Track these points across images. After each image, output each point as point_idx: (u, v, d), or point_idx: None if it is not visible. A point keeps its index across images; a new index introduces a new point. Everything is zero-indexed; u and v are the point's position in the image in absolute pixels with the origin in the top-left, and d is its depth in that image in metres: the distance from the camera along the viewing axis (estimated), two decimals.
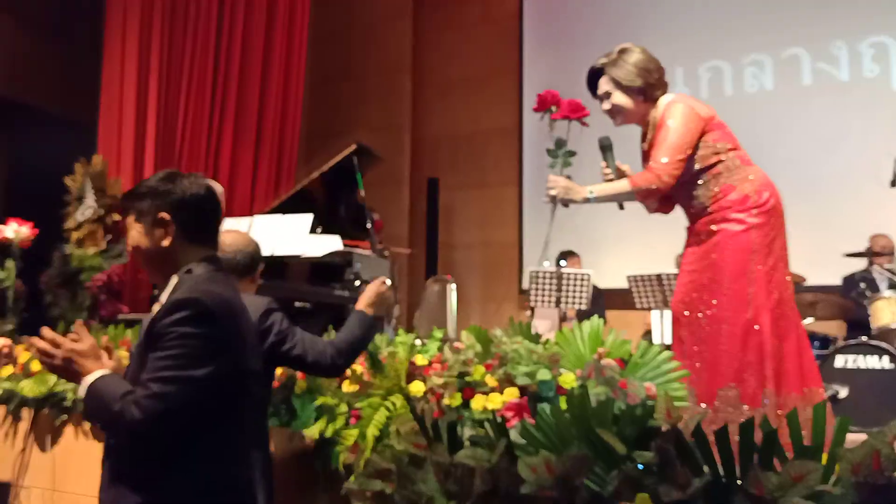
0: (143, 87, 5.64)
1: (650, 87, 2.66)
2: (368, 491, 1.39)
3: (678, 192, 2.68)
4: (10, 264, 4.22)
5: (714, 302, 2.52)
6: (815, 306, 4.73)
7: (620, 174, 2.72)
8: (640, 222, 3.31)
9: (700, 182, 2.61)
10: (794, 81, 6.36)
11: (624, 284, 5.34)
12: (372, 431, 2.31)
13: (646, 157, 2.75)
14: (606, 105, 2.71)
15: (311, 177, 4.93)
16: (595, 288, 5.56)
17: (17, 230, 4.32)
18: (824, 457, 1.23)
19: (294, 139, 6.95)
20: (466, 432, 2.07)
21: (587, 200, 2.59)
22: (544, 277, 5.35)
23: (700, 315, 2.55)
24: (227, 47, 6.30)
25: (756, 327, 2.45)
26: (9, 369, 3.75)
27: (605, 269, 6.09)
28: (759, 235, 2.52)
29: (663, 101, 2.66)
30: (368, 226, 4.73)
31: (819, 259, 5.21)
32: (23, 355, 3.65)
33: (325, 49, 8.18)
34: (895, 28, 6.09)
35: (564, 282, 5.34)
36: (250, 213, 5.50)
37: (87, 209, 5.12)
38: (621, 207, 2.82)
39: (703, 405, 2.35)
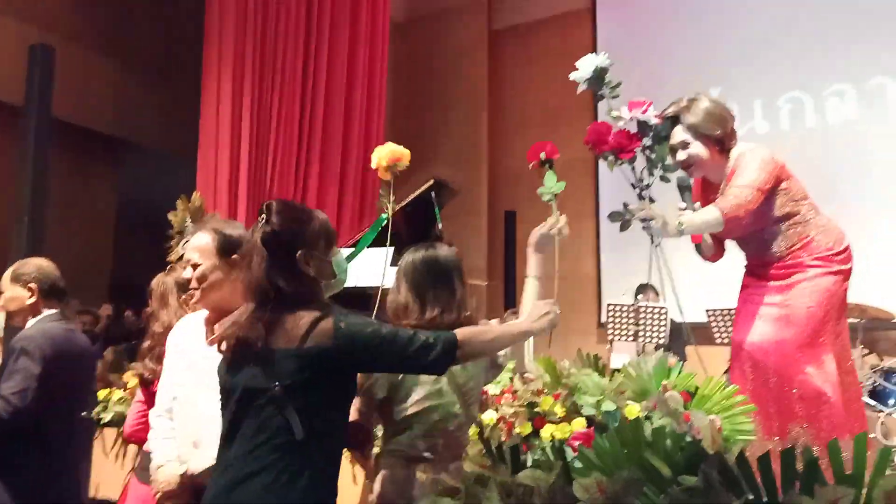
0: (236, 127, 6.02)
1: (727, 136, 2.61)
2: None
3: (751, 240, 2.68)
4: None
5: (787, 337, 2.52)
6: None
7: None
8: None
9: (776, 231, 2.59)
10: (880, 111, 6.21)
11: (703, 318, 5.29)
12: None
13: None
14: (682, 155, 2.63)
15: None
16: (674, 322, 5.51)
17: None
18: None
19: (376, 173, 7.19)
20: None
21: (680, 234, 2.48)
22: (622, 311, 5.35)
23: (767, 351, 2.56)
24: (313, 85, 6.63)
25: (822, 367, 2.47)
26: (118, 393, 4.05)
27: (683, 302, 6.04)
28: (837, 282, 2.55)
29: (736, 150, 2.62)
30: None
31: None
32: (132, 381, 3.93)
33: (405, 83, 8.49)
34: None
35: (642, 315, 5.33)
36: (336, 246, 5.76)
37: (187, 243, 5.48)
38: (699, 252, 2.81)
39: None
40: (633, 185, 2.63)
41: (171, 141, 6.99)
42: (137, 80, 7.13)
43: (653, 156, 2.63)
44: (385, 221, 3.03)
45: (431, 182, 4.99)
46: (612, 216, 2.59)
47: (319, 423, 1.56)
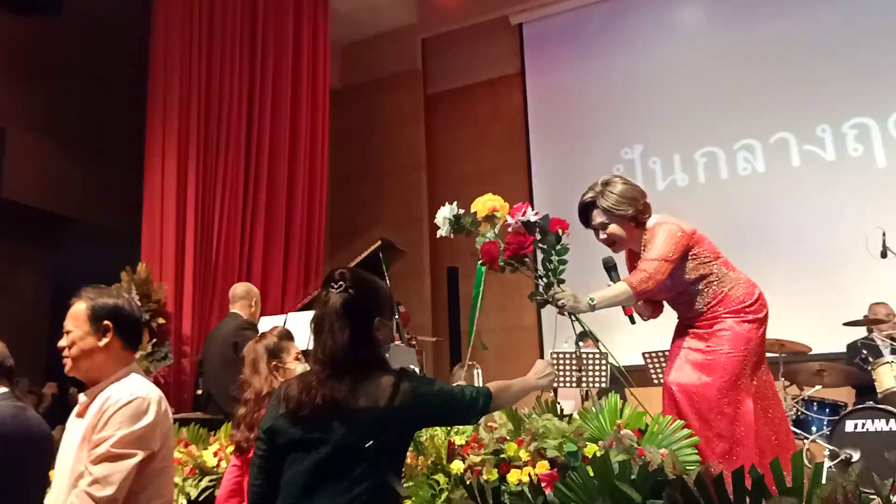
0: (181, 198, 6.05)
1: (640, 213, 2.93)
2: None
3: (677, 301, 2.99)
4: None
5: (708, 381, 2.79)
6: (823, 374, 4.95)
7: None
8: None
9: (695, 291, 2.90)
10: (784, 163, 6.79)
11: (640, 361, 5.58)
12: None
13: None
14: (602, 235, 2.98)
15: None
16: (612, 366, 5.78)
17: None
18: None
19: (320, 238, 7.34)
20: None
21: (592, 309, 2.77)
22: (565, 358, 5.58)
23: (694, 393, 2.81)
24: (256, 156, 6.78)
25: (739, 409, 2.74)
26: None
27: (620, 346, 6.34)
28: (752, 329, 2.84)
29: (650, 222, 2.95)
30: (395, 317, 5.07)
31: (823, 329, 5.49)
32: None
33: (345, 151, 8.73)
34: (875, 110, 6.55)
35: (584, 362, 5.57)
36: (282, 311, 5.84)
37: None
38: (633, 322, 3.09)
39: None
40: (539, 276, 2.91)
41: (109, 218, 6.98)
42: (74, 159, 7.11)
43: (545, 246, 2.93)
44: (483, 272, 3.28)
45: (379, 242, 5.18)
46: (531, 296, 2.92)
47: (395, 477, 1.70)
